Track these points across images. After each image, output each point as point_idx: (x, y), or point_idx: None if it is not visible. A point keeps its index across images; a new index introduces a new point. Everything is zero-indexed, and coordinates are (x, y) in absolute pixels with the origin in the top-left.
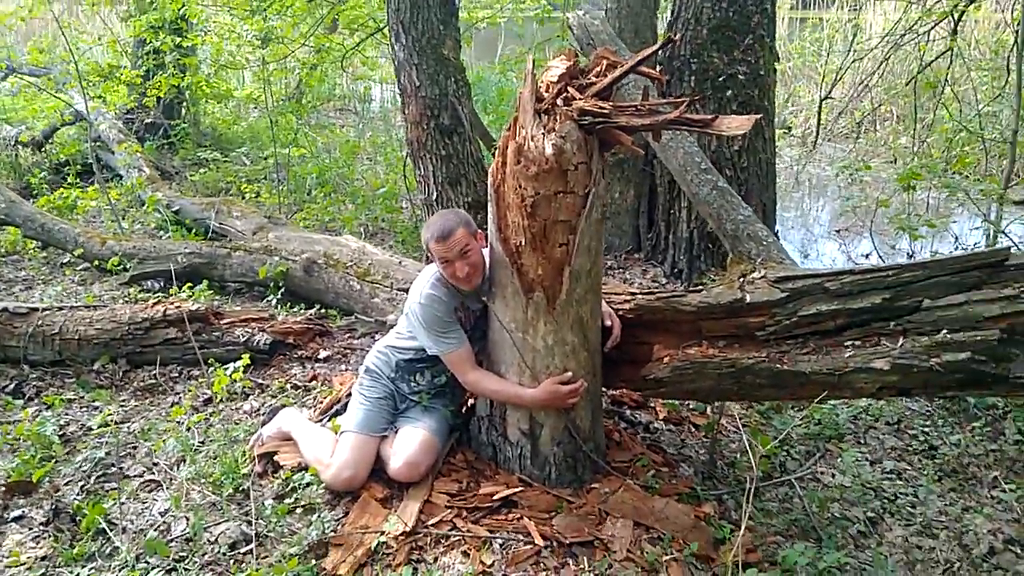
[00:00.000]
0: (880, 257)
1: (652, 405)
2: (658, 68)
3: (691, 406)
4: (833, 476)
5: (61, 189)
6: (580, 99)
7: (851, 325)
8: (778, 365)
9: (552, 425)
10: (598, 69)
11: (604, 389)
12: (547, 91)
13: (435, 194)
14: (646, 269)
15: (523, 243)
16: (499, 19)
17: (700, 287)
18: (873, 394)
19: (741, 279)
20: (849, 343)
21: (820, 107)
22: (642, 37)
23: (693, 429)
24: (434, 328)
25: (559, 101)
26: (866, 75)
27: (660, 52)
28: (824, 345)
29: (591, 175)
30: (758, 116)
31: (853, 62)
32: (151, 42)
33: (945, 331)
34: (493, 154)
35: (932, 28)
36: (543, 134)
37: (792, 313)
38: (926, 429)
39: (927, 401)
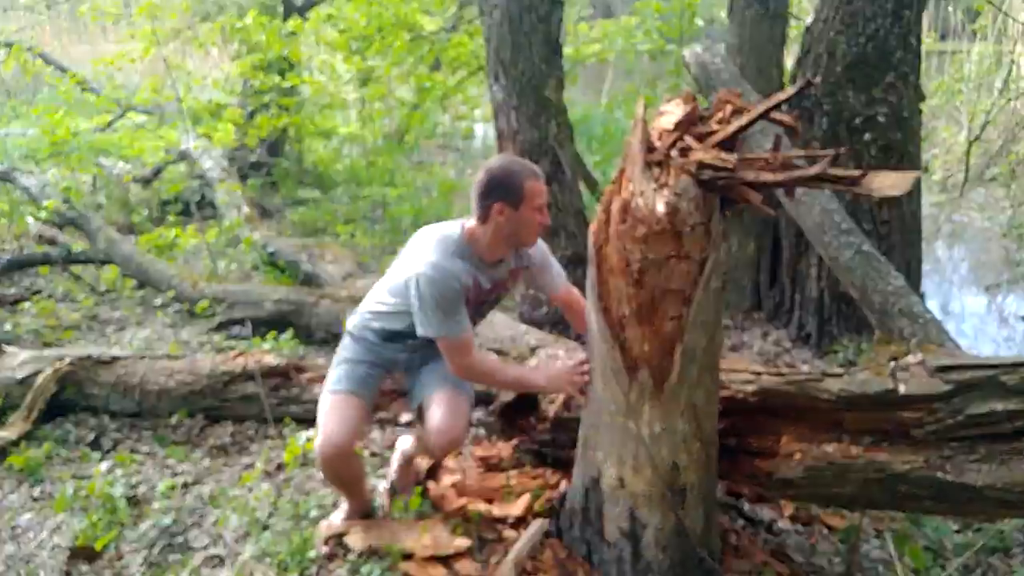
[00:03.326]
0: None
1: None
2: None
3: None
4: None
5: (161, 228)
6: (699, 150)
7: None
8: (940, 474)
9: (657, 525)
10: (720, 115)
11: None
12: (660, 140)
13: None
14: (767, 331)
15: (627, 314)
16: (609, 54)
17: (841, 371)
18: None
19: (892, 364)
20: None
21: (968, 150)
22: (766, 75)
23: (825, 531)
24: (443, 308)
25: (674, 152)
26: (1020, 115)
27: (800, 99)
28: (999, 452)
29: (710, 238)
30: (917, 173)
31: (1008, 101)
32: (253, 82)
33: None
34: (596, 199)
35: None
36: (654, 190)
37: (958, 411)
38: None
39: None
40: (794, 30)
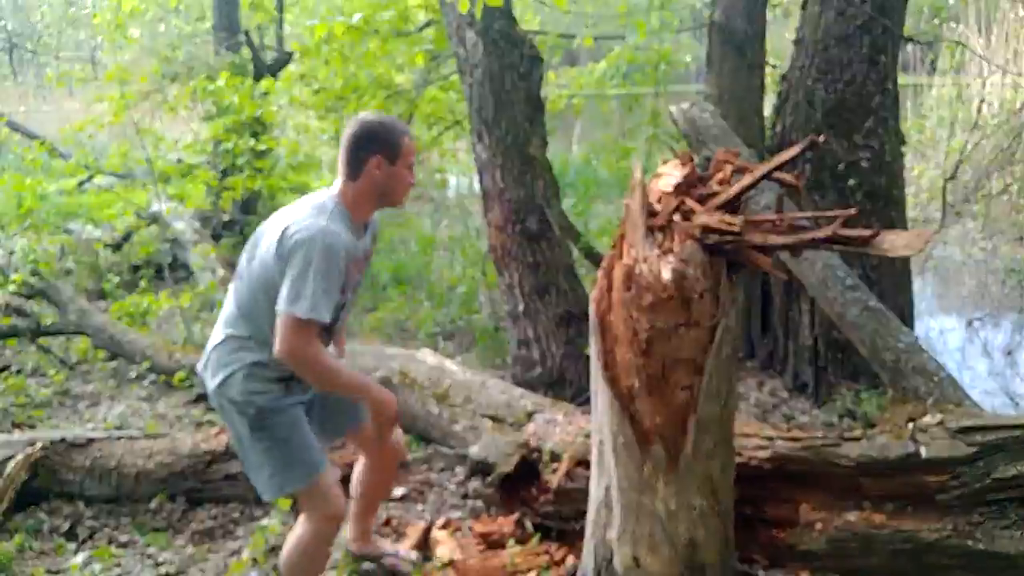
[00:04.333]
0: None
1: None
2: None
3: None
4: None
5: (133, 295)
6: (702, 213)
7: None
8: (971, 542)
9: None
10: (721, 175)
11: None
12: (659, 203)
13: (521, 305)
14: (762, 381)
15: (637, 385)
16: (582, 104)
17: (859, 434)
18: None
19: (911, 426)
20: None
21: (944, 188)
22: (747, 124)
23: None
24: (322, 282)
25: (676, 216)
26: (997, 151)
27: (782, 147)
28: None
29: (719, 304)
30: (931, 232)
31: (980, 140)
32: (226, 143)
33: None
34: (579, 249)
35: None
36: (658, 256)
37: (984, 474)
38: None
39: None
40: (769, 77)
